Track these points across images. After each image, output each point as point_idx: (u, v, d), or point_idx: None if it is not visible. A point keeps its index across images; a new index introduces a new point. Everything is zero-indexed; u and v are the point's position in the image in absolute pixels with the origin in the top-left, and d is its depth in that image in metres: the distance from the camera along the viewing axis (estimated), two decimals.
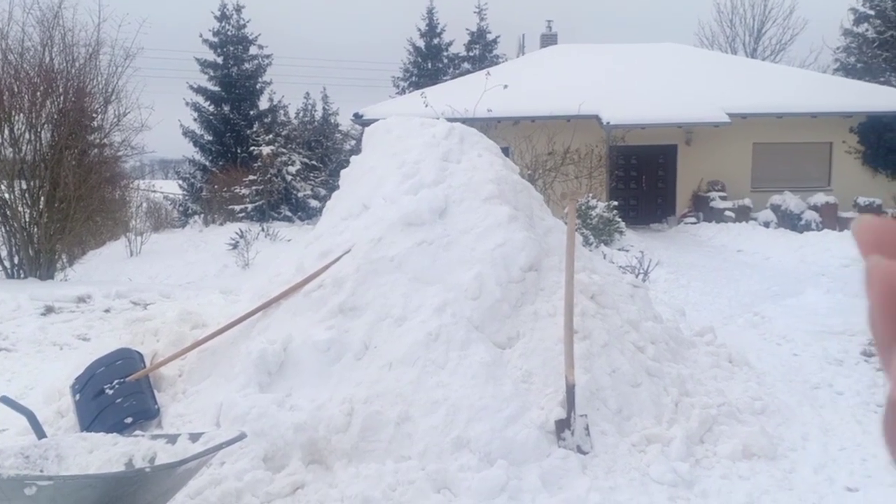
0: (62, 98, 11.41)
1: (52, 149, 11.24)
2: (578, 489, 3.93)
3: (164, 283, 12.91)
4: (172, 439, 3.38)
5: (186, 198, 28.80)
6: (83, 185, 11.30)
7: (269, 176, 22.87)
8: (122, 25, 12.42)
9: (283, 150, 23.57)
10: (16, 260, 11.34)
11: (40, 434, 3.55)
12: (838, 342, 6.92)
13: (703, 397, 4.99)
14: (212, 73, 29.23)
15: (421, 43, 34.26)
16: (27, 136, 11.18)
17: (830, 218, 17.58)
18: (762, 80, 20.11)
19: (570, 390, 4.33)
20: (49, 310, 8.14)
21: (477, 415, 4.26)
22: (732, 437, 4.57)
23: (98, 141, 12.56)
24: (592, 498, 3.86)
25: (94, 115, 12.21)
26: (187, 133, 28.95)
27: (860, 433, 4.93)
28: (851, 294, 9.78)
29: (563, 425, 4.25)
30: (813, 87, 19.92)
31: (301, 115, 29.87)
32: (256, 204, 22.67)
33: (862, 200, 18.15)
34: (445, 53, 34.63)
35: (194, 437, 3.38)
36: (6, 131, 11.04)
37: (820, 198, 18.08)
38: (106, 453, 3.27)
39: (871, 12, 25.63)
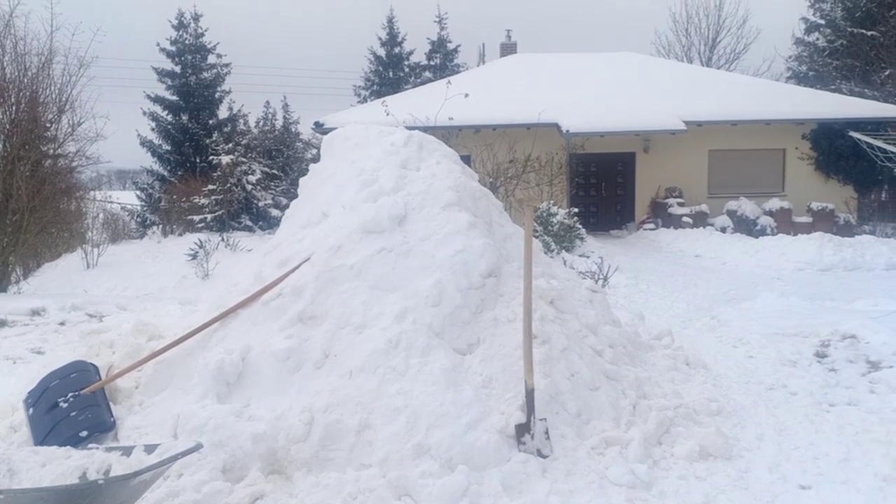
0: (14, 108, 11.21)
1: (4, 160, 11.03)
2: (539, 493, 3.96)
3: (121, 294, 12.70)
4: (127, 451, 3.33)
5: (145, 208, 28.35)
6: (37, 197, 11.10)
7: (228, 185, 22.63)
8: (76, 34, 12.34)
9: (243, 160, 23.35)
10: None
11: None
12: (792, 344, 7.06)
13: (661, 399, 5.06)
14: (169, 83, 28.87)
15: (382, 52, 34.31)
16: None
17: (785, 223, 17.96)
18: (717, 89, 20.52)
19: (530, 395, 4.36)
20: (2, 323, 7.97)
21: (437, 421, 4.26)
22: (689, 439, 4.64)
23: (52, 151, 12.34)
24: (552, 501, 3.90)
25: (48, 124, 12.01)
26: (145, 143, 28.54)
27: (813, 432, 5.04)
28: (805, 297, 10.01)
29: (523, 430, 4.28)
30: (766, 94, 20.37)
31: (261, 124, 29.59)
32: (216, 214, 22.41)
33: (815, 205, 18.58)
34: (406, 62, 34.72)
35: (150, 449, 3.33)
36: None
37: (774, 203, 18.48)
38: (59, 466, 3.21)
39: (822, 21, 26.34)
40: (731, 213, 18.24)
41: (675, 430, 4.75)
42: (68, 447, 3.47)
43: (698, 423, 4.93)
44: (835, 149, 19.42)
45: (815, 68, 26.24)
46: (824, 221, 18.09)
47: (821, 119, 18.97)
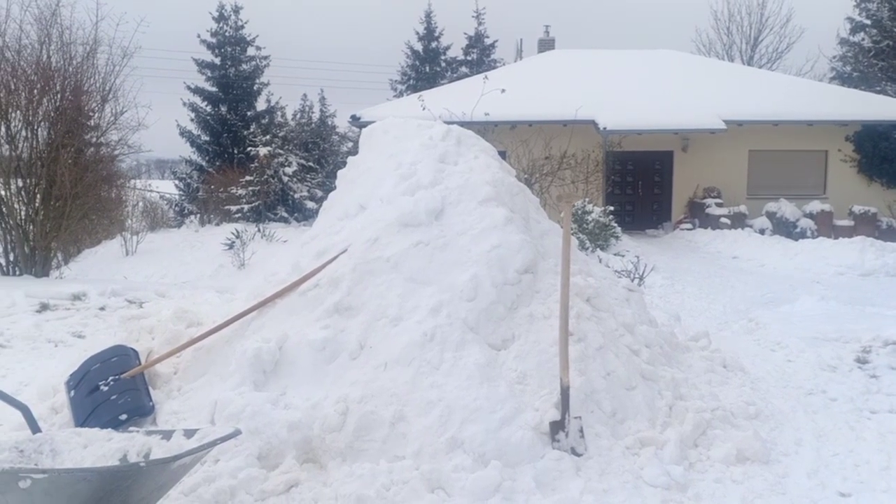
0: (59, 96, 11.39)
1: (49, 147, 11.22)
2: (572, 491, 3.94)
3: (159, 282, 12.89)
4: (167, 435, 3.38)
5: (183, 198, 28.76)
6: (79, 184, 11.27)
7: (265, 177, 22.84)
8: (120, 24, 12.51)
9: (280, 152, 23.54)
10: (11, 257, 11.32)
11: (35, 429, 3.54)
12: (832, 349, 6.94)
13: (698, 401, 5.00)
14: (209, 74, 29.23)
15: (419, 46, 34.32)
16: (24, 133, 11.17)
17: (826, 226, 17.64)
18: (758, 88, 20.20)
19: (565, 392, 4.33)
20: (44, 307, 8.13)
21: (471, 416, 4.26)
22: (726, 442, 4.58)
23: (95, 139, 12.54)
24: (586, 500, 3.87)
25: (91, 113, 12.19)
26: (184, 133, 28.94)
27: (853, 439, 4.95)
28: (845, 301, 9.82)
29: (557, 427, 4.26)
30: (809, 95, 20.01)
31: (298, 116, 29.82)
32: (253, 205, 22.64)
33: (857, 209, 18.23)
34: (443, 57, 34.70)
35: (189, 434, 3.38)
36: (3, 129, 11.02)
37: (815, 206, 18.16)
38: (100, 448, 3.27)
39: (868, 21, 25.77)
40: (771, 215, 17.96)
41: (712, 433, 4.69)
42: (109, 430, 3.52)
43: (735, 426, 4.87)
44: (879, 151, 19.03)
45: (860, 69, 25.68)
46: (866, 225, 17.73)
47: (865, 121, 18.59)
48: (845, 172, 19.46)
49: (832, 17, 28.71)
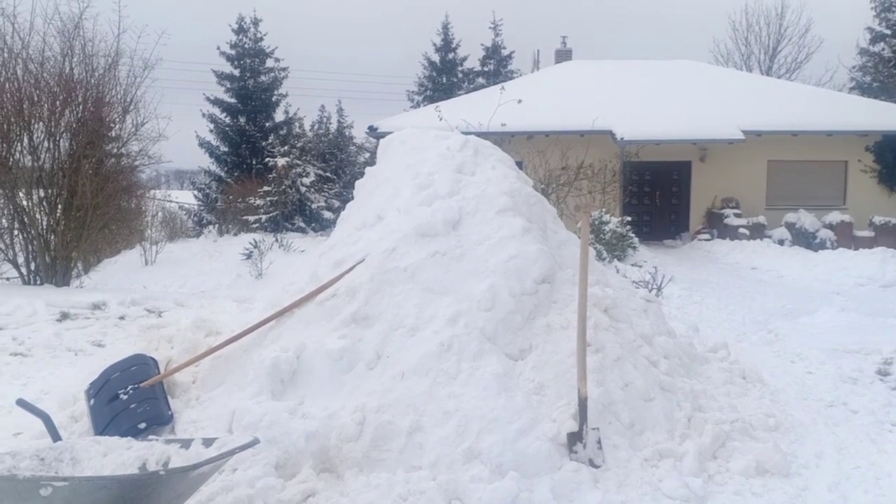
0: (81, 107, 11.54)
1: (71, 157, 11.36)
2: (590, 502, 3.92)
3: (178, 291, 12.98)
4: (186, 444, 3.39)
5: (201, 208, 29.00)
6: (100, 194, 11.40)
7: (283, 187, 23.00)
8: (142, 36, 12.63)
9: (298, 162, 23.71)
10: (32, 266, 11.45)
11: (55, 437, 3.58)
12: (853, 361, 6.87)
13: (717, 413, 4.97)
14: (228, 85, 29.51)
15: (436, 57, 34.50)
16: (46, 144, 11.32)
17: (846, 237, 17.47)
18: (777, 98, 20.09)
19: (583, 403, 4.32)
20: (64, 316, 8.21)
21: (488, 426, 4.25)
22: (746, 454, 4.54)
23: (116, 150, 12.68)
24: None
25: (113, 124, 12.32)
26: (203, 144, 29.22)
27: (875, 452, 4.90)
28: (866, 313, 9.72)
29: (574, 438, 4.24)
30: (828, 105, 19.88)
31: (316, 127, 30.08)
32: (270, 215, 22.79)
33: (877, 220, 18.05)
34: (460, 68, 34.85)
35: (207, 442, 3.39)
36: (25, 140, 11.17)
37: (835, 216, 17.99)
38: (120, 457, 3.29)
39: (888, 31, 25.60)
40: (790, 226, 17.81)
41: (731, 445, 4.65)
42: (129, 438, 3.55)
43: (755, 438, 4.82)
44: None
45: (880, 79, 25.50)
46: (887, 236, 17.54)
47: (885, 131, 18.43)
48: (865, 183, 19.29)
49: (852, 27, 28.59)
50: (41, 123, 11.22)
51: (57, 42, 11.67)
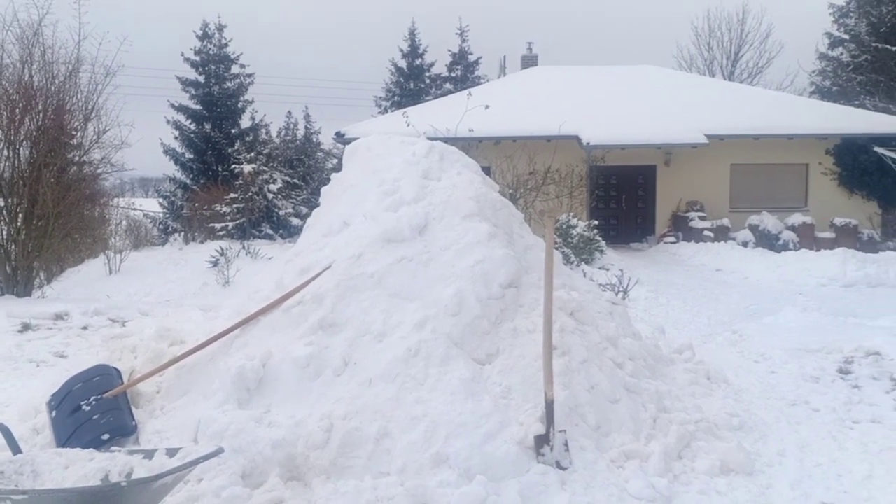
0: (41, 115, 11.35)
1: (31, 166, 11.15)
2: None
3: (143, 300, 12.81)
4: (149, 454, 3.35)
5: (167, 216, 28.64)
6: (62, 203, 11.21)
7: (250, 194, 22.82)
8: (103, 43, 12.34)
9: (265, 169, 23.53)
10: None
11: (16, 450, 3.51)
12: (815, 360, 7.00)
13: (682, 413, 5.03)
14: (193, 92, 29.20)
15: (403, 63, 34.51)
16: (5, 152, 11.10)
17: (808, 238, 17.81)
18: (740, 103, 20.42)
19: (549, 406, 4.34)
20: (26, 327, 8.06)
21: (456, 431, 4.26)
22: (710, 453, 4.60)
23: (77, 158, 12.48)
24: None
25: (74, 132, 12.13)
26: (168, 151, 28.86)
27: (836, 449, 4.99)
28: (828, 312, 9.90)
29: (542, 441, 4.26)
30: (789, 109, 20.25)
31: (283, 133, 29.88)
32: (237, 222, 22.59)
33: (838, 221, 18.42)
34: (427, 74, 34.90)
35: (171, 453, 3.36)
36: None
37: (797, 218, 18.34)
38: (82, 469, 3.24)
39: (846, 36, 26.12)
40: (753, 228, 18.11)
41: (696, 445, 4.72)
42: (91, 450, 3.49)
43: (719, 437, 4.89)
44: (859, 164, 19.26)
45: (839, 83, 26.01)
46: (848, 237, 17.91)
47: (844, 134, 18.83)
48: (826, 185, 19.68)
49: (811, 33, 29.21)
50: (0, 132, 11.01)
51: (16, 49, 11.49)
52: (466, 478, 4.03)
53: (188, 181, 28.83)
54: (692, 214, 18.81)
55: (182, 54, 29.07)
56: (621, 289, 10.60)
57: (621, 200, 20.17)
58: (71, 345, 7.57)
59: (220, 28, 29.29)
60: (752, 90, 24.40)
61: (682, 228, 18.91)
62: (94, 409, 4.67)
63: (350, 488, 3.94)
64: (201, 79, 29.23)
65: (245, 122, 29.80)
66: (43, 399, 5.02)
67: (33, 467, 3.30)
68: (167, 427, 4.66)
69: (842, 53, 26.46)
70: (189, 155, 29.10)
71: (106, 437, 4.48)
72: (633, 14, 62.92)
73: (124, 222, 21.53)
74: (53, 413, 4.76)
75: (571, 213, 15.79)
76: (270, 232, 23.18)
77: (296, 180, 25.22)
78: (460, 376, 4.55)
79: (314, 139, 30.35)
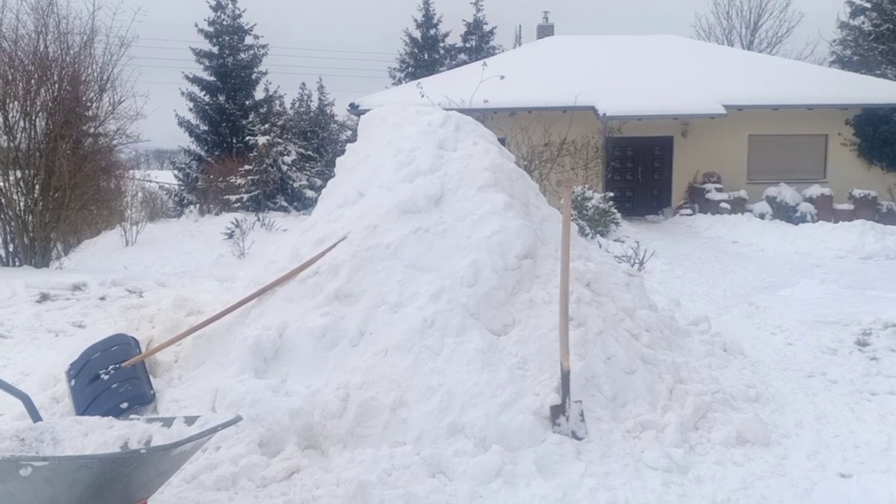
0: (57, 86, 11.35)
1: (47, 137, 11.19)
2: (573, 474, 3.94)
3: (159, 271, 12.89)
4: (168, 422, 3.37)
5: (182, 188, 28.74)
6: (78, 174, 11.24)
7: (264, 166, 22.82)
8: (117, 14, 12.37)
9: (279, 141, 23.51)
10: (11, 248, 11.32)
11: (36, 418, 3.54)
12: (832, 332, 6.94)
13: (698, 384, 5.01)
14: (207, 63, 29.14)
15: (417, 34, 34.22)
16: (22, 124, 11.14)
17: (826, 210, 17.62)
18: (758, 72, 20.11)
19: (565, 377, 4.34)
20: (44, 297, 8.13)
21: (472, 401, 4.27)
22: (726, 424, 4.59)
23: (93, 129, 12.50)
24: (587, 483, 3.88)
25: (89, 103, 12.14)
26: (183, 123, 28.90)
27: (853, 420, 4.96)
28: (846, 285, 9.82)
29: (557, 411, 4.27)
30: (809, 79, 19.94)
31: (297, 105, 29.79)
32: (252, 194, 22.63)
33: (857, 192, 18.20)
34: (442, 44, 34.61)
35: (190, 421, 3.38)
36: (1, 119, 10.99)
37: (815, 190, 18.14)
38: (101, 436, 3.26)
39: (868, 5, 25.62)
40: (771, 200, 17.93)
41: (712, 416, 4.70)
42: (110, 417, 3.52)
43: (736, 408, 4.88)
44: (879, 135, 18.98)
45: (860, 53, 25.55)
46: (866, 209, 17.71)
47: (865, 104, 18.52)
48: (845, 156, 19.42)
49: (832, 1, 28.56)
50: (16, 103, 11.03)
51: (31, 19, 11.48)
52: (482, 447, 4.05)
53: (203, 153, 28.89)
54: (709, 186, 18.64)
55: (196, 25, 28.99)
56: (637, 261, 10.54)
57: (637, 172, 20.01)
58: (89, 315, 7.64)
59: None
60: (771, 60, 24.03)
61: (698, 200, 18.75)
62: (112, 377, 4.71)
63: (367, 457, 3.96)
64: (215, 50, 29.15)
65: (259, 94, 29.79)
66: (62, 368, 5.08)
67: (53, 435, 3.33)
68: (185, 396, 4.70)
69: (863, 22, 25.96)
70: (203, 127, 29.11)
71: (124, 405, 4.52)
72: None
73: (140, 194, 21.65)
74: (72, 382, 4.81)
75: (587, 185, 15.68)
76: (285, 204, 23.21)
77: (310, 152, 25.17)
78: (476, 347, 4.55)
79: (328, 111, 30.29)
